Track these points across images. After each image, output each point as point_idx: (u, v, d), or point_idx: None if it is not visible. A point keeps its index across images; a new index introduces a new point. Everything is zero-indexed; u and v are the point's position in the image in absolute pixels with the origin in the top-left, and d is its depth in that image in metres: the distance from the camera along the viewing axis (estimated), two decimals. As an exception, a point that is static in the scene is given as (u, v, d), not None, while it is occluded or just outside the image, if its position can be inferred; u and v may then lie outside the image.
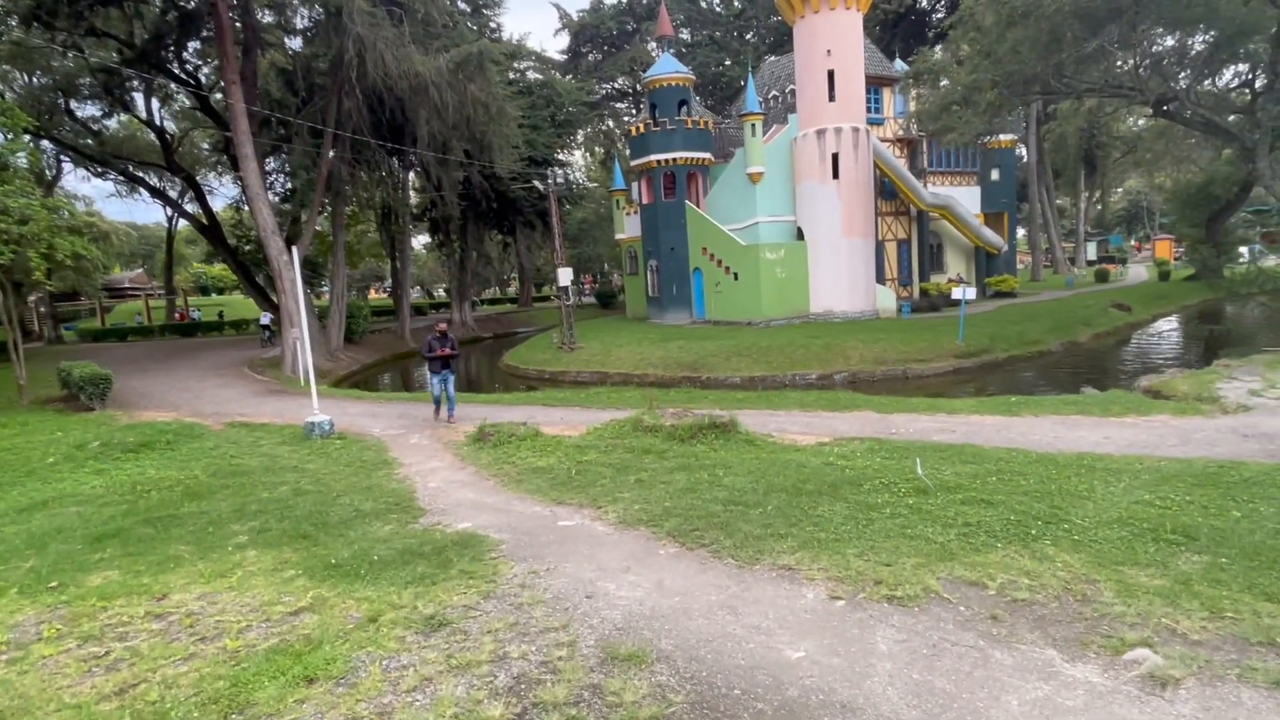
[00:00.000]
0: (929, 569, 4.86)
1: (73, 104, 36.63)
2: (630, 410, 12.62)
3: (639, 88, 57.33)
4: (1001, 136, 33.90)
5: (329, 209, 34.54)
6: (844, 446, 8.96)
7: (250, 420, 13.54)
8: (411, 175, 41.59)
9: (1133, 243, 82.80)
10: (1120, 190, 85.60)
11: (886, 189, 31.69)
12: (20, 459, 10.57)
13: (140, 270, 78.74)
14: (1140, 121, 54.41)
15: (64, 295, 57.26)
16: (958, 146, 34.55)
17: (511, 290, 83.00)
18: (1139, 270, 56.91)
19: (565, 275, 27.18)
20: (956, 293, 22.69)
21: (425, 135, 25.38)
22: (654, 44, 53.28)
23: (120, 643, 4.50)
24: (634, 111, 56.66)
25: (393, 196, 39.62)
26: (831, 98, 27.77)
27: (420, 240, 66.54)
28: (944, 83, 28.19)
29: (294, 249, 12.31)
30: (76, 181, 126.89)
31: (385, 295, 70.90)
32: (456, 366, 13.17)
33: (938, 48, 32.37)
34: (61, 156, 42.70)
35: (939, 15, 53.56)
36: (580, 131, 52.02)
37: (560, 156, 47.68)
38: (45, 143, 39.98)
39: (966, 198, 34.97)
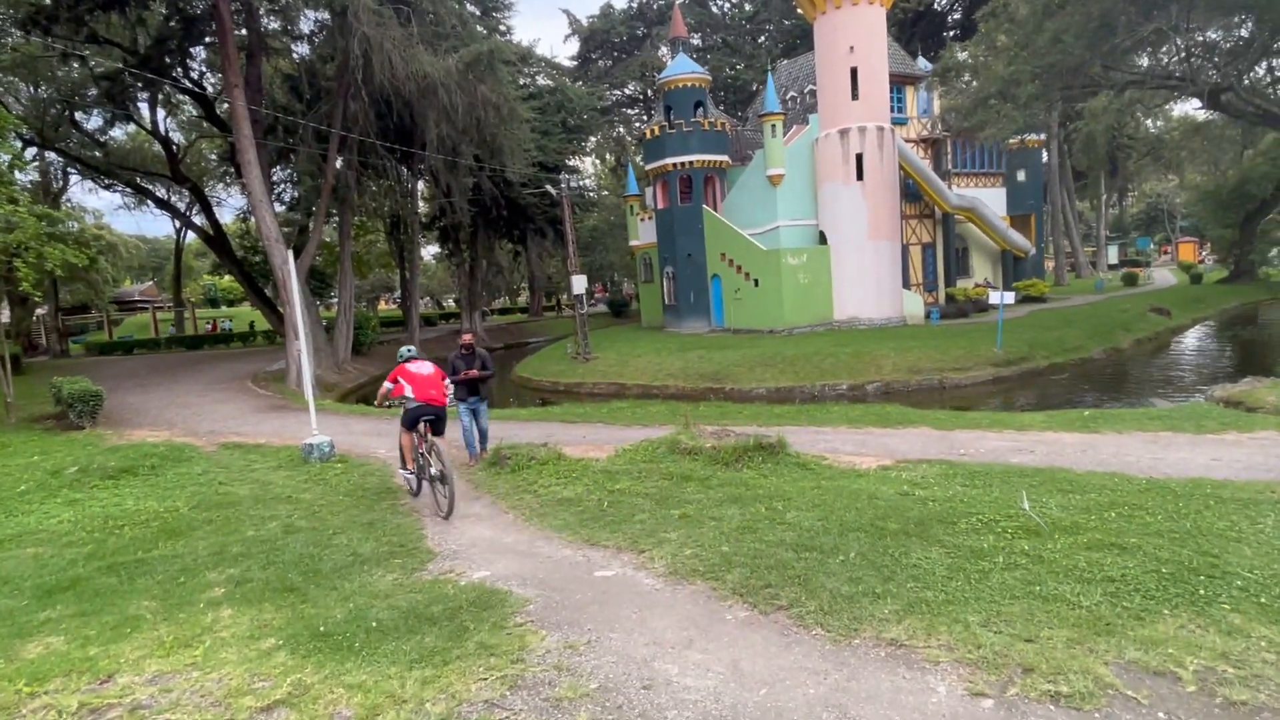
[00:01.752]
0: (1088, 648, 3.73)
1: (78, 116, 36.04)
2: (658, 427, 11.55)
3: (650, 94, 56.57)
4: (1030, 136, 32.81)
5: (335, 218, 33.76)
6: (912, 471, 7.83)
7: (246, 440, 12.53)
8: (421, 184, 40.83)
9: (1150, 246, 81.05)
10: (1135, 193, 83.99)
11: (910, 191, 30.54)
12: (-10, 487, 9.59)
13: (150, 283, 78.54)
14: (1159, 123, 53.16)
15: (74, 308, 57.05)
16: (983, 147, 33.50)
17: (522, 300, 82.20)
18: (1164, 274, 55.45)
19: (579, 282, 26.14)
20: (994, 297, 21.49)
21: (434, 139, 24.47)
22: (664, 49, 52.48)
23: (36, 755, 3.44)
24: (645, 118, 55.79)
25: (401, 205, 38.82)
26: (855, 96, 26.70)
27: (430, 250, 65.93)
28: (965, 79, 27.15)
29: (290, 254, 11.27)
30: (83, 194, 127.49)
31: (395, 306, 70.23)
32: (489, 390, 10.19)
33: (961, 45, 31.22)
34: (69, 169, 42.25)
35: (956, 16, 52.69)
36: (592, 138, 51.15)
37: (571, 163, 46.84)
38: (51, 154, 39.68)
39: (992, 199, 33.78)
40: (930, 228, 32.26)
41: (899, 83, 30.61)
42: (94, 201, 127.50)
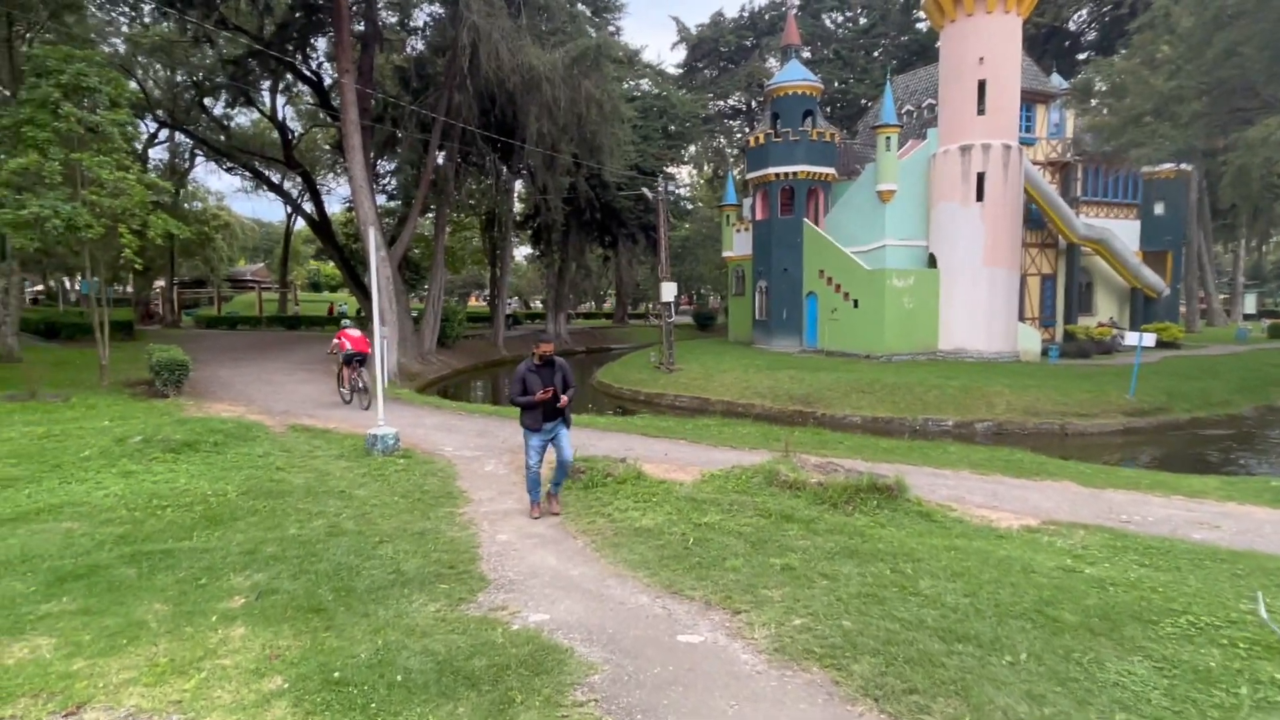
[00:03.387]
0: None
1: (206, 101, 37.96)
2: (749, 451, 10.38)
3: (753, 105, 55.29)
4: (1184, 165, 29.87)
5: (434, 211, 34.07)
6: (1067, 538, 6.38)
7: (315, 424, 12.08)
8: (518, 184, 40.96)
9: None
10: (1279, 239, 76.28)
11: (1033, 217, 28.20)
12: (58, 449, 9.36)
13: (262, 265, 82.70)
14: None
15: (193, 283, 60.71)
16: (1117, 175, 30.73)
17: (607, 306, 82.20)
18: (1312, 328, 49.77)
19: (669, 290, 25.18)
20: (1130, 338, 19.24)
21: (534, 134, 24.08)
22: (772, 60, 51.15)
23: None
24: (747, 129, 54.50)
25: (497, 202, 39.00)
26: (981, 110, 24.73)
27: (522, 251, 66.69)
28: (1093, 102, 24.79)
29: (373, 234, 10.73)
30: (206, 175, 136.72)
31: (484, 304, 71.28)
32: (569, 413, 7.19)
33: (1108, 60, 28.61)
34: (195, 150, 44.71)
35: (1090, 37, 49.18)
36: (691, 146, 50.32)
37: (669, 170, 46.11)
38: (180, 136, 42.12)
39: (1125, 232, 30.88)
40: (1052, 258, 29.76)
41: (1029, 100, 28.33)
42: (215, 183, 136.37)
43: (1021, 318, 27.27)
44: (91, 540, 5.90)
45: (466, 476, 8.71)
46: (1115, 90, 21.15)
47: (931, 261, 26.52)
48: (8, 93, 19.93)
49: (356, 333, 14.16)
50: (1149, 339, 19.15)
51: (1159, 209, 32.33)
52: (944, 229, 25.80)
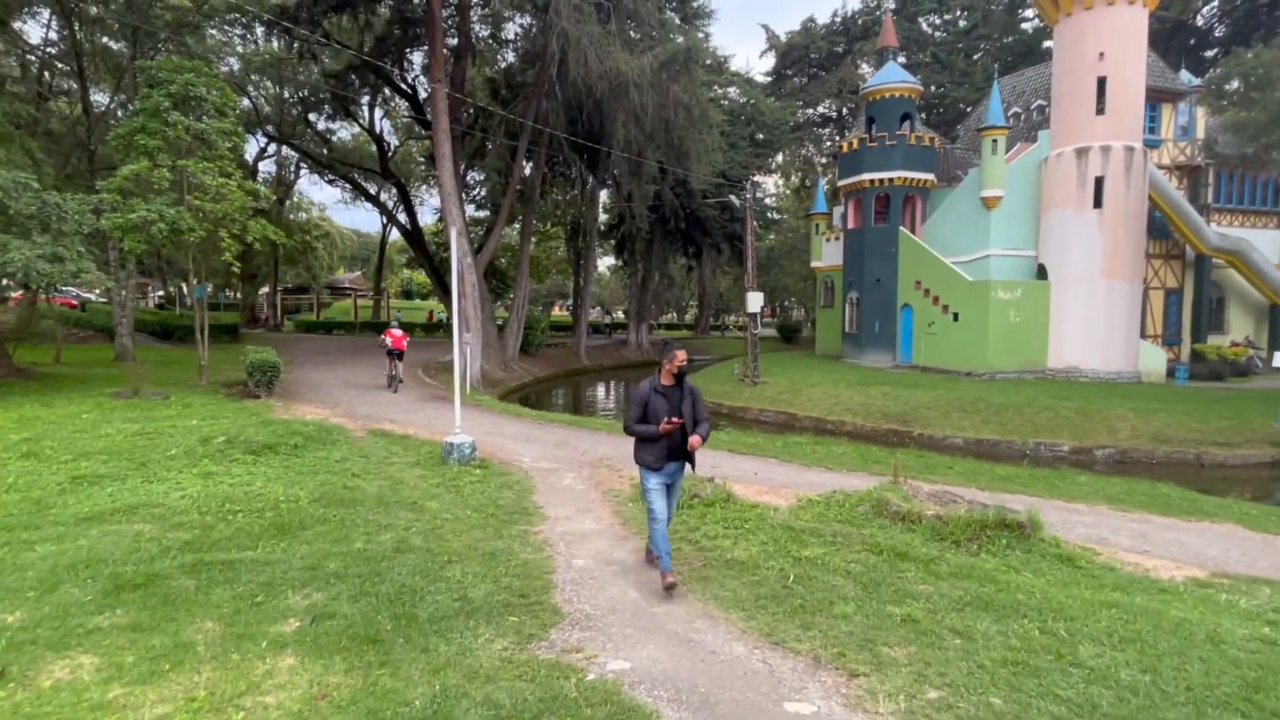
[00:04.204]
0: None
1: (310, 116, 39.76)
2: (847, 473, 9.50)
3: (844, 112, 53.66)
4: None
5: (519, 220, 34.40)
6: (1250, 596, 5.29)
7: (395, 429, 11.91)
8: (603, 194, 40.95)
9: None
10: None
11: (1156, 225, 25.85)
12: (148, 446, 9.42)
13: (359, 273, 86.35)
14: None
15: (296, 289, 63.98)
16: (1255, 180, 27.94)
17: (689, 317, 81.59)
18: None
19: (755, 300, 24.30)
20: (1279, 359, 17.09)
21: (621, 140, 23.79)
22: (865, 66, 49.48)
23: None
24: (837, 136, 52.89)
25: (582, 211, 39.09)
26: (1100, 110, 22.83)
27: (605, 261, 66.97)
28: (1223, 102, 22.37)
29: (454, 235, 10.45)
30: (309, 186, 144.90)
31: (567, 313, 71.98)
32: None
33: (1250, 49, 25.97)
34: (300, 164, 47.03)
35: (1219, 33, 45.34)
36: (779, 155, 49.19)
37: (756, 179, 45.17)
38: (287, 150, 44.40)
39: (1264, 243, 27.90)
40: (1178, 270, 27.27)
41: (1154, 99, 26.06)
42: (318, 195, 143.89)
43: (1142, 335, 25.00)
44: (158, 546, 5.67)
45: (543, 490, 8.21)
46: (1260, 83, 18.99)
47: (1041, 273, 24.65)
48: (130, 106, 21.15)
49: (399, 332, 17.93)
50: (1303, 360, 16.98)
51: (1305, 217, 29.16)
52: (1056, 238, 23.92)
